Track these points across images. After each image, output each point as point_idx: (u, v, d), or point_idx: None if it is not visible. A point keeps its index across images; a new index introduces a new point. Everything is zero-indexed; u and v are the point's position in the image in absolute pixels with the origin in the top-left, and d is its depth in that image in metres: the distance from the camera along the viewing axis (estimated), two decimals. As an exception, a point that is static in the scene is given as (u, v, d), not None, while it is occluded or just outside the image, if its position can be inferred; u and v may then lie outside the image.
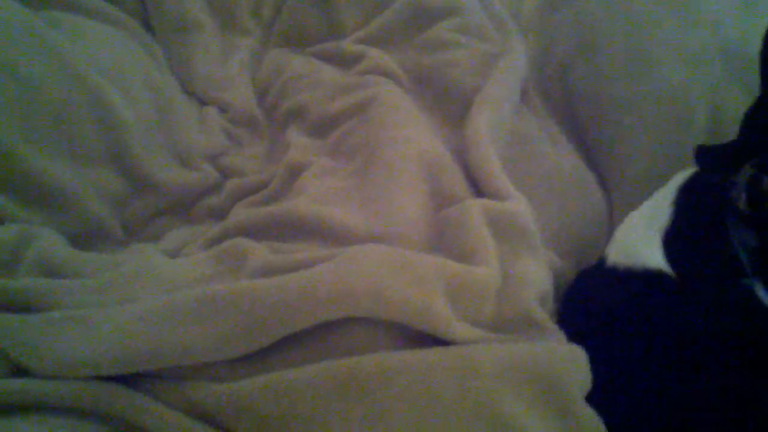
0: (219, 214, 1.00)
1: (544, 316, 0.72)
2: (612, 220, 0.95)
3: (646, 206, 0.82)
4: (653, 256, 0.75)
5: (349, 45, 1.15)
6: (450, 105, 1.01)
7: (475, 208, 0.77)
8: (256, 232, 0.85)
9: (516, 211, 0.78)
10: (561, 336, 0.71)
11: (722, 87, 0.95)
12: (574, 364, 0.66)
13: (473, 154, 0.87)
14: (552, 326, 0.72)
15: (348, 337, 0.65)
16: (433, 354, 0.63)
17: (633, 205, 0.85)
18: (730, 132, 0.82)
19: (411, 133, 0.91)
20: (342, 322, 0.64)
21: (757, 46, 0.78)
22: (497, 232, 0.76)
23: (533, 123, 1.03)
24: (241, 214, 0.91)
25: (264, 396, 0.61)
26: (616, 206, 0.96)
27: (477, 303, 0.68)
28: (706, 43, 0.97)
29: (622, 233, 0.82)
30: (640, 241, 0.77)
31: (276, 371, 0.63)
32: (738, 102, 0.86)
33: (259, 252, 0.77)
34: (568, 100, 1.07)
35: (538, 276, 0.75)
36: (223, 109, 1.14)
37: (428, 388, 0.61)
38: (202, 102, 1.15)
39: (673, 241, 0.75)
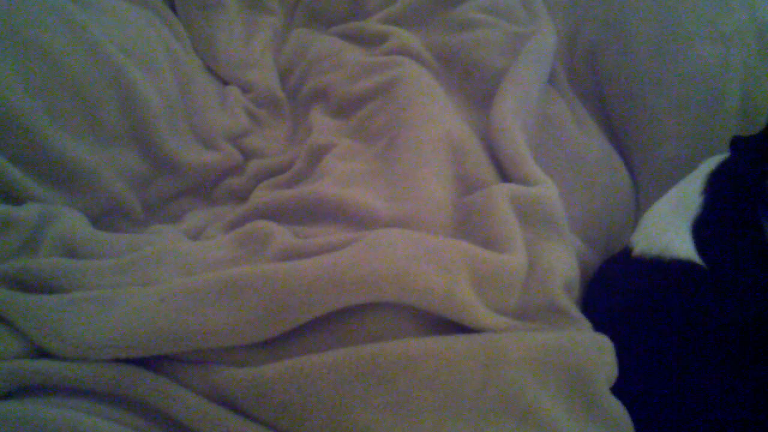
0: (241, 195, 0.99)
1: (570, 304, 0.71)
2: (639, 206, 0.94)
3: (673, 194, 0.81)
4: (683, 246, 0.73)
5: (373, 24, 1.13)
6: (476, 85, 0.99)
7: (502, 193, 0.75)
8: (278, 214, 0.84)
9: (543, 196, 0.77)
10: (587, 324, 0.70)
11: (756, 69, 0.93)
12: (600, 354, 0.66)
13: (499, 138, 0.85)
14: (578, 314, 0.71)
15: (371, 322, 0.64)
16: (458, 341, 0.62)
17: (661, 190, 0.83)
18: (763, 116, 0.80)
19: (436, 114, 0.89)
20: (365, 307, 0.63)
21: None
22: (524, 217, 0.75)
23: (561, 106, 1.01)
24: (263, 196, 0.90)
25: (285, 381, 0.60)
26: (643, 191, 0.95)
27: (503, 291, 0.67)
28: (742, 24, 0.95)
29: (649, 222, 0.80)
30: (669, 231, 0.76)
31: (298, 356, 0.62)
32: (772, 86, 0.84)
33: (282, 235, 0.76)
34: (597, 81, 1.05)
35: (564, 263, 0.73)
36: (245, 90, 1.13)
37: (452, 376, 0.60)
38: (225, 82, 1.14)
39: (704, 230, 0.74)
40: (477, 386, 0.60)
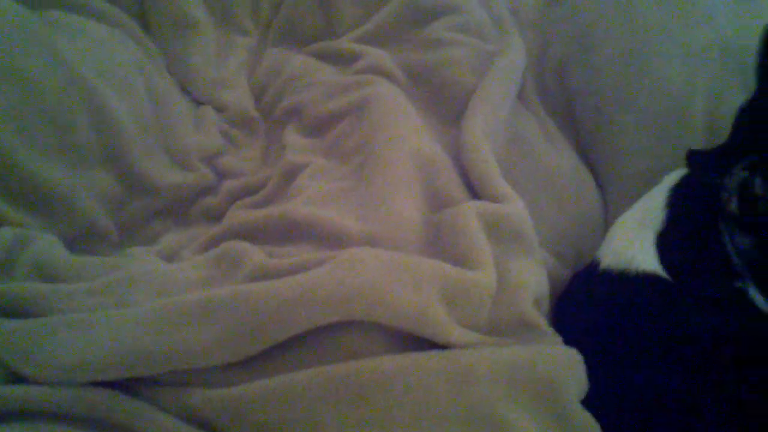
0: (215, 215, 1.00)
1: (539, 318, 0.72)
2: (607, 220, 0.95)
3: (638, 207, 0.82)
4: (647, 259, 0.75)
5: (346, 43, 1.14)
6: (447, 104, 1.00)
7: (471, 210, 0.76)
8: (252, 235, 0.84)
9: (512, 213, 0.78)
10: (557, 338, 0.72)
11: (721, 84, 0.95)
12: (569, 367, 0.67)
13: (469, 155, 0.86)
14: (548, 329, 0.72)
15: (345, 341, 0.65)
16: (430, 358, 0.63)
17: (628, 204, 0.85)
18: (728, 131, 0.82)
19: (406, 133, 0.90)
20: (339, 326, 0.64)
21: (754, 42, 0.77)
22: (493, 234, 0.76)
23: (531, 122, 1.03)
24: (236, 216, 0.91)
25: (260, 402, 0.61)
26: (612, 206, 0.96)
27: (473, 307, 0.68)
28: (706, 40, 0.97)
29: (615, 235, 0.81)
30: (634, 244, 0.77)
31: (272, 376, 0.63)
32: (737, 99, 0.85)
33: (255, 255, 0.76)
34: (566, 97, 1.06)
35: (534, 278, 0.75)
36: (219, 110, 1.14)
37: (425, 393, 0.61)
38: (199, 102, 1.15)
39: (667, 243, 0.75)
40: (448, 403, 0.61)
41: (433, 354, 0.64)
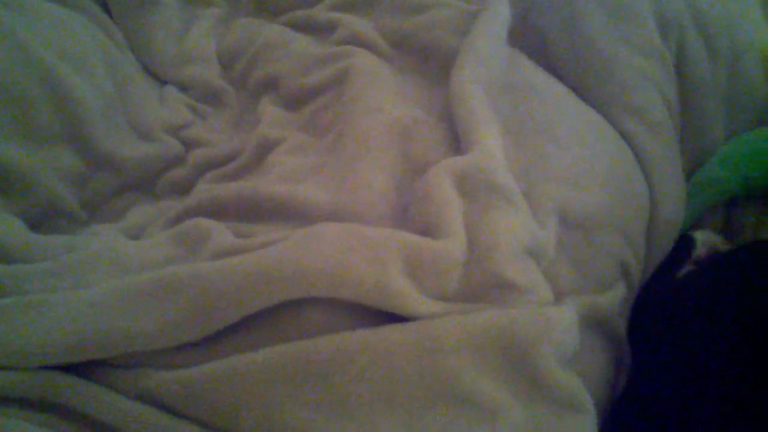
0: (184, 188, 0.97)
1: (522, 275, 0.67)
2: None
3: None
4: None
5: (322, 12, 1.11)
6: (434, 65, 0.96)
7: (441, 171, 0.73)
8: (220, 211, 0.82)
9: (483, 162, 0.73)
10: (544, 294, 0.67)
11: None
12: (543, 329, 0.62)
13: (455, 107, 0.82)
14: (533, 285, 0.67)
15: (304, 318, 0.62)
16: (392, 331, 0.61)
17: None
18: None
19: (383, 103, 0.87)
20: (298, 303, 0.62)
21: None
22: (465, 189, 0.72)
23: (530, 68, 0.96)
24: (204, 191, 0.89)
25: (216, 382, 0.59)
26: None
27: (439, 277, 0.65)
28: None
29: None
30: None
31: (229, 356, 0.61)
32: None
33: (220, 234, 0.74)
34: (548, 66, 1.00)
35: (515, 231, 0.69)
36: (185, 87, 1.12)
37: (388, 368, 0.59)
38: (164, 81, 1.13)
39: None
40: (413, 376, 0.59)
41: (397, 327, 0.61)
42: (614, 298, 0.76)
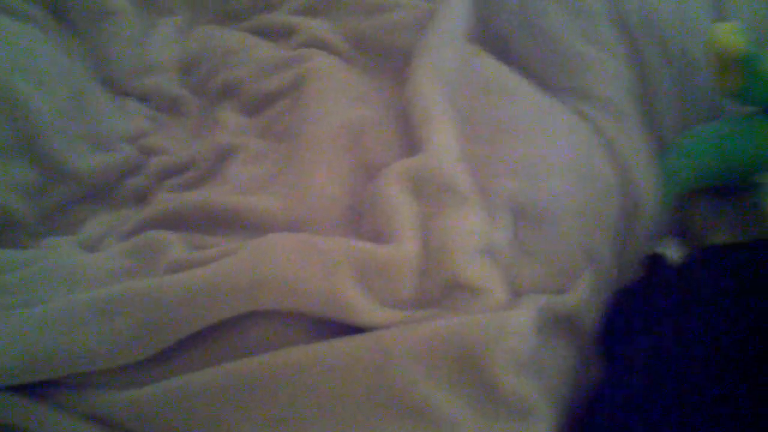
0: (143, 197, 0.96)
1: (479, 275, 0.66)
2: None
3: None
4: None
5: (281, 16, 1.10)
6: (393, 66, 0.95)
7: (392, 174, 0.72)
8: (177, 223, 0.81)
9: (435, 163, 0.73)
10: (502, 295, 0.66)
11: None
12: (496, 335, 0.61)
13: (410, 109, 0.81)
14: (490, 285, 0.66)
15: (256, 333, 0.62)
16: (342, 344, 0.60)
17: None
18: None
19: (336, 107, 0.87)
20: (249, 317, 0.62)
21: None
22: (419, 191, 0.72)
23: (489, 63, 0.95)
24: (160, 202, 0.87)
25: (165, 403, 0.59)
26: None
27: (392, 284, 0.65)
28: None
29: None
30: None
31: (178, 375, 0.60)
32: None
33: (175, 246, 0.74)
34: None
35: (470, 231, 0.69)
36: (144, 98, 1.10)
37: (339, 382, 0.58)
38: (123, 93, 1.12)
39: None
40: (364, 388, 0.58)
41: (347, 339, 0.61)
42: (580, 295, 0.75)
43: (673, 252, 0.91)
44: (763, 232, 0.90)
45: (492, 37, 0.99)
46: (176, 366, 0.61)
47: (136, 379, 0.61)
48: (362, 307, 0.62)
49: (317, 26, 1.04)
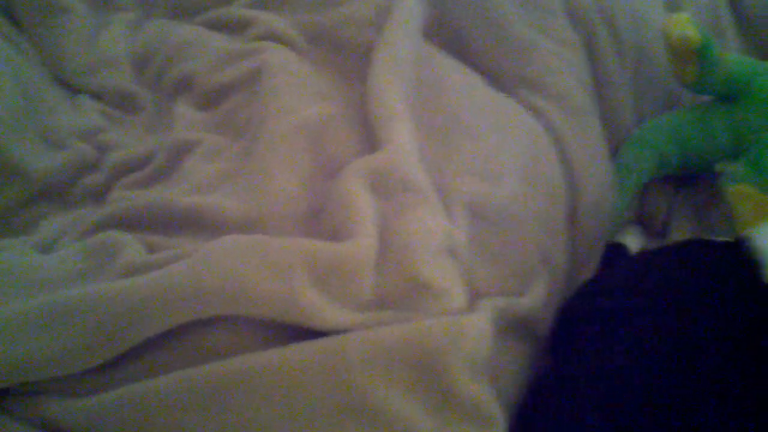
0: (99, 194, 0.94)
1: (439, 275, 0.66)
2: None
3: None
4: None
5: (236, 10, 1.08)
6: (350, 61, 0.94)
7: (351, 171, 0.72)
8: (134, 223, 0.80)
9: (394, 160, 0.73)
10: (460, 297, 0.66)
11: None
12: (453, 340, 0.61)
13: (370, 107, 0.81)
14: (449, 286, 0.66)
15: (210, 339, 0.62)
16: (298, 350, 0.60)
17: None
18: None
19: (295, 103, 0.85)
20: (203, 323, 0.61)
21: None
22: (379, 189, 0.71)
23: (443, 62, 0.95)
24: (117, 201, 0.86)
25: (118, 410, 0.58)
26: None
27: (349, 284, 0.64)
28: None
29: None
30: None
31: (134, 381, 0.60)
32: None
33: (131, 248, 0.72)
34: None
35: (430, 230, 0.69)
36: (98, 95, 1.08)
37: (295, 387, 0.58)
38: (76, 90, 1.09)
39: None
40: (320, 395, 0.58)
41: (303, 345, 0.60)
42: (537, 297, 0.76)
43: (634, 241, 0.92)
44: (721, 220, 0.93)
45: (447, 31, 0.99)
46: (132, 372, 0.61)
47: (90, 386, 0.61)
48: (320, 309, 0.62)
49: (273, 19, 1.03)
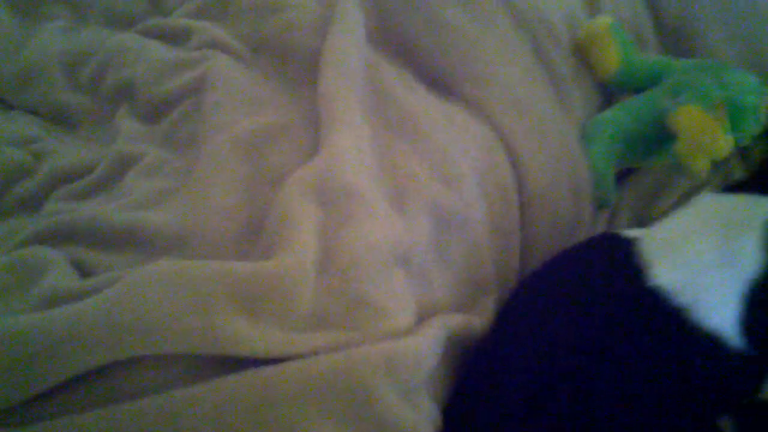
0: (33, 204, 0.90)
1: (383, 293, 0.64)
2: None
3: (713, 231, 0.66)
4: (721, 315, 0.62)
5: (177, 20, 1.06)
6: (296, 68, 0.92)
7: (291, 182, 0.70)
8: (68, 237, 0.77)
9: (329, 167, 0.71)
10: (406, 314, 0.65)
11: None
12: (386, 367, 0.60)
13: (320, 113, 0.79)
14: (394, 304, 0.64)
15: (135, 377, 0.59)
16: (225, 384, 0.58)
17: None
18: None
19: (237, 116, 0.84)
20: (127, 360, 0.58)
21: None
22: (322, 198, 0.69)
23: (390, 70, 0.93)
24: (52, 215, 0.83)
25: None
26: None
27: (283, 302, 0.61)
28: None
29: (682, 255, 0.66)
30: (712, 287, 0.63)
31: (59, 417, 0.57)
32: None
33: (56, 270, 0.70)
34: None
35: (375, 243, 0.67)
36: (31, 110, 1.05)
37: (220, 423, 0.56)
38: (9, 107, 1.07)
39: (763, 302, 0.61)
40: (248, 430, 0.56)
41: (230, 378, 0.58)
42: (488, 315, 0.75)
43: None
44: (659, 209, 0.97)
45: (391, 35, 0.97)
46: (60, 407, 0.58)
47: (17, 419, 0.58)
48: (247, 338, 0.59)
49: (212, 29, 1.00)
